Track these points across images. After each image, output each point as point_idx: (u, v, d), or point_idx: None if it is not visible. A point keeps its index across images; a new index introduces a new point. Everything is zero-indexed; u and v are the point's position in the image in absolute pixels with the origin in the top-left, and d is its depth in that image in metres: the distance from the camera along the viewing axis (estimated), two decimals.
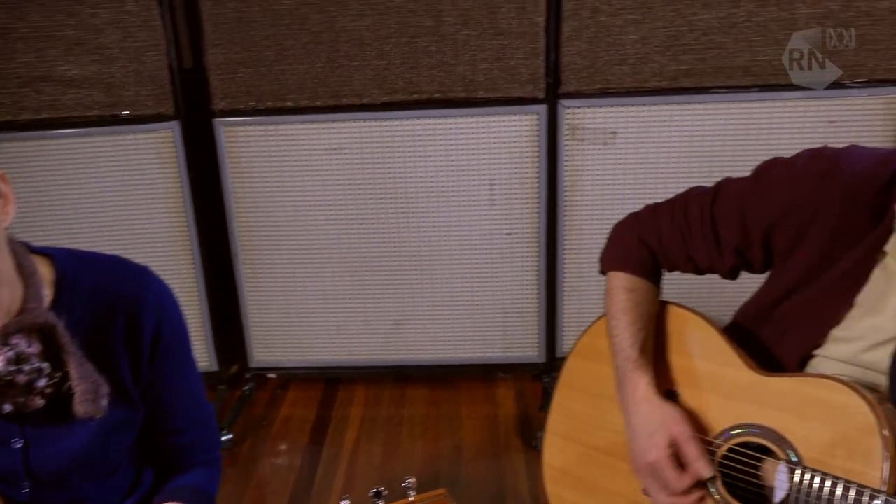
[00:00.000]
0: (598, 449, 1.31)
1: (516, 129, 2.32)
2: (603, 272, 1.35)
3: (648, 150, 2.32)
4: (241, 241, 2.51)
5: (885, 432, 1.00)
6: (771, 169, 1.16)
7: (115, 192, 2.43)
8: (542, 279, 2.49)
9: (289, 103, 2.32)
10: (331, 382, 2.77)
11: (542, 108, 2.29)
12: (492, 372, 2.72)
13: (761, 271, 1.22)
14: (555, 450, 1.39)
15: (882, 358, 1.07)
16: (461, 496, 2.22)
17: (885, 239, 1.05)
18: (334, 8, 2.20)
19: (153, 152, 2.39)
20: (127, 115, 2.34)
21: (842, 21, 2.16)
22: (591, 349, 1.37)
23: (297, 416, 2.62)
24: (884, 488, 0.98)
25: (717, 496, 1.15)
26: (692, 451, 1.14)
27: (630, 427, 1.21)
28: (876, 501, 0.98)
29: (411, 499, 1.00)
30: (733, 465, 1.16)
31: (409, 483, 1.01)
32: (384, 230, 2.47)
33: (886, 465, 0.99)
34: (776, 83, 2.22)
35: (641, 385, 1.21)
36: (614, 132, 2.31)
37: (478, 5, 2.18)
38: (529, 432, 2.42)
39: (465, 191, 2.41)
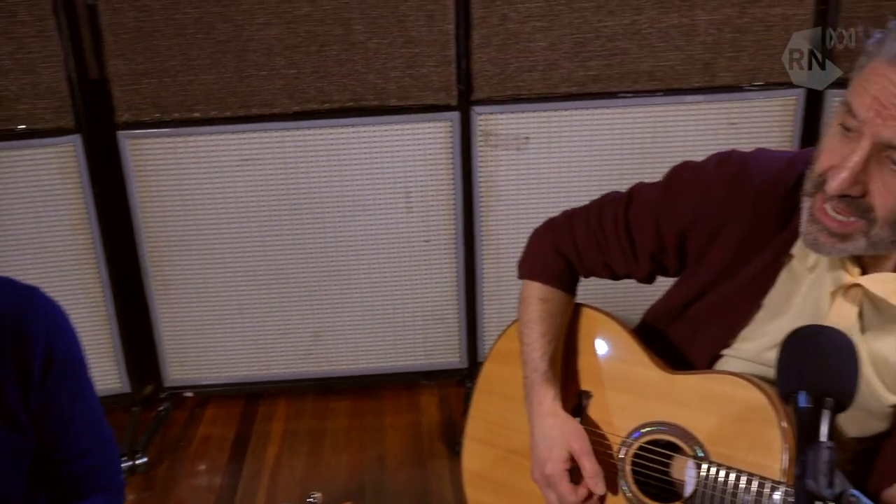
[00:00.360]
0: (516, 451, 1.32)
1: (430, 136, 2.33)
2: (519, 277, 1.36)
3: (561, 154, 2.36)
4: (151, 256, 2.42)
5: (784, 424, 1.04)
6: (682, 174, 1.18)
7: (14, 210, 2.31)
8: (461, 285, 2.50)
9: (196, 114, 2.26)
10: (251, 398, 2.70)
11: (455, 115, 2.30)
12: (415, 380, 2.71)
13: (675, 275, 1.25)
14: (474, 455, 1.39)
15: None
16: None
17: (791, 242, 1.08)
18: (240, 17, 2.16)
19: (54, 167, 2.28)
20: (23, 129, 2.23)
21: (739, 27, 2.25)
22: (507, 353, 1.38)
23: (217, 435, 2.55)
24: (783, 479, 1.02)
25: (629, 494, 1.18)
26: (589, 467, 1.17)
27: (533, 438, 1.23)
28: (776, 493, 1.02)
29: None
30: (645, 462, 1.19)
31: (314, 499, 0.99)
32: (300, 241, 2.43)
33: (785, 457, 1.03)
34: (679, 87, 2.30)
35: (547, 398, 1.23)
36: (527, 137, 2.35)
37: (387, 14, 2.17)
38: (453, 438, 2.42)
39: (381, 199, 2.40)
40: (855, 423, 1.11)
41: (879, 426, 1.11)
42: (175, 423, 2.60)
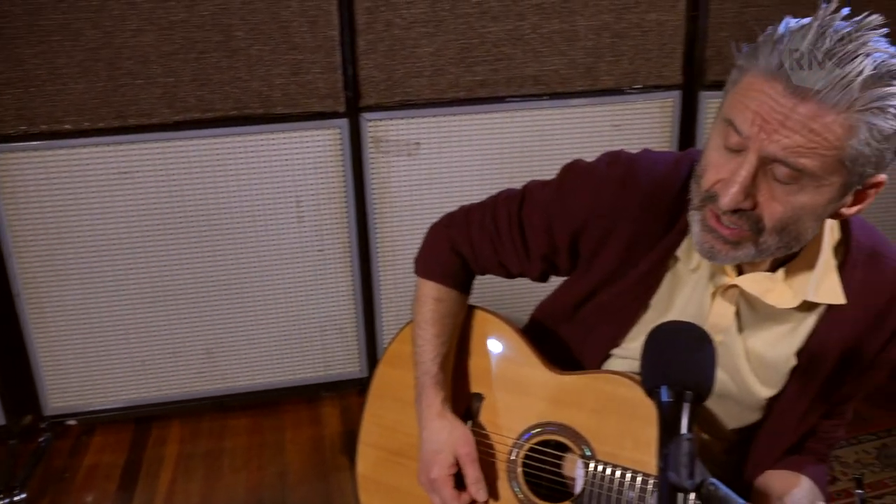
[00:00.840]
0: (406, 455, 1.31)
1: (319, 143, 2.29)
2: (415, 273, 1.35)
3: (452, 158, 2.37)
4: (24, 279, 2.27)
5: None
6: (573, 175, 1.18)
7: None
8: (357, 293, 2.47)
9: (67, 126, 2.13)
10: (142, 422, 2.58)
11: (344, 122, 2.27)
12: (315, 392, 2.65)
13: (567, 274, 1.26)
14: (367, 460, 1.37)
15: None
16: None
17: (677, 244, 1.10)
18: (111, 23, 2.05)
19: None
20: None
21: (617, 32, 2.32)
22: (400, 356, 1.36)
23: (105, 463, 2.42)
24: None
25: (520, 496, 1.18)
26: (472, 474, 1.17)
27: (421, 441, 1.23)
28: None
29: None
30: (536, 463, 1.20)
31: None
32: (187, 256, 2.34)
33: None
34: (563, 91, 2.35)
35: (437, 402, 1.22)
36: (417, 143, 2.34)
37: (268, 20, 2.12)
38: (356, 449, 2.39)
39: (270, 209, 2.33)
40: (732, 416, 1.16)
41: (754, 417, 1.16)
42: (58, 454, 2.45)
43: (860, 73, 0.83)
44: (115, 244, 2.28)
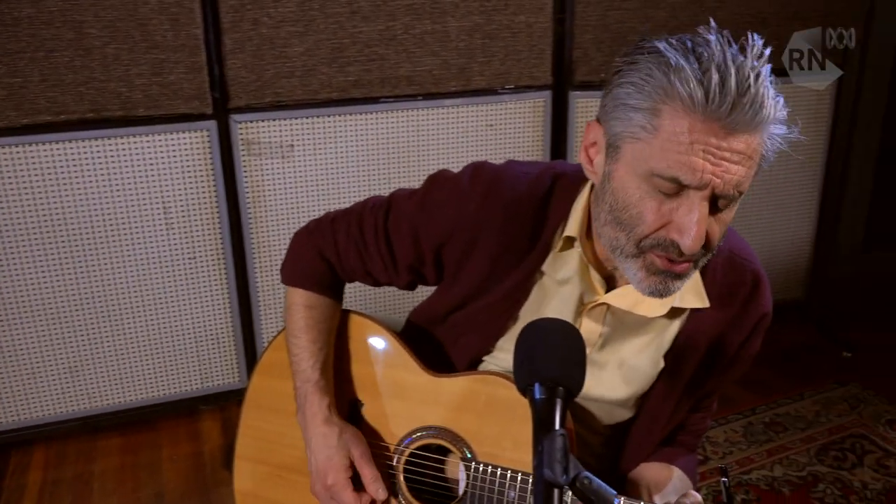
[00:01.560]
0: (288, 468, 1.28)
1: (186, 147, 2.19)
2: (283, 282, 1.31)
3: (327, 160, 2.33)
4: None
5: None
6: (438, 187, 1.17)
7: None
8: (234, 301, 2.39)
9: None
10: (0, 450, 2.39)
11: (212, 123, 2.18)
12: (193, 406, 2.55)
13: (435, 284, 1.25)
14: (245, 475, 1.33)
15: None
16: None
17: (542, 258, 1.12)
18: None
19: None
20: None
21: (488, 33, 2.35)
22: (277, 364, 1.32)
23: None
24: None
25: (403, 502, 1.18)
26: (369, 473, 1.16)
27: (310, 450, 1.19)
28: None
29: None
30: (417, 468, 1.19)
31: None
32: (45, 268, 2.18)
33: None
34: (437, 91, 2.36)
35: (322, 408, 1.19)
36: (291, 145, 2.29)
37: (124, 17, 2.00)
38: (233, 464, 2.31)
39: (136, 217, 2.21)
40: (604, 415, 1.20)
41: (625, 414, 1.20)
42: None
43: (771, 98, 0.88)
44: None
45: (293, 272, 1.28)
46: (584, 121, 2.53)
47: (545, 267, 1.12)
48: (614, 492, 0.78)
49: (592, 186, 1.06)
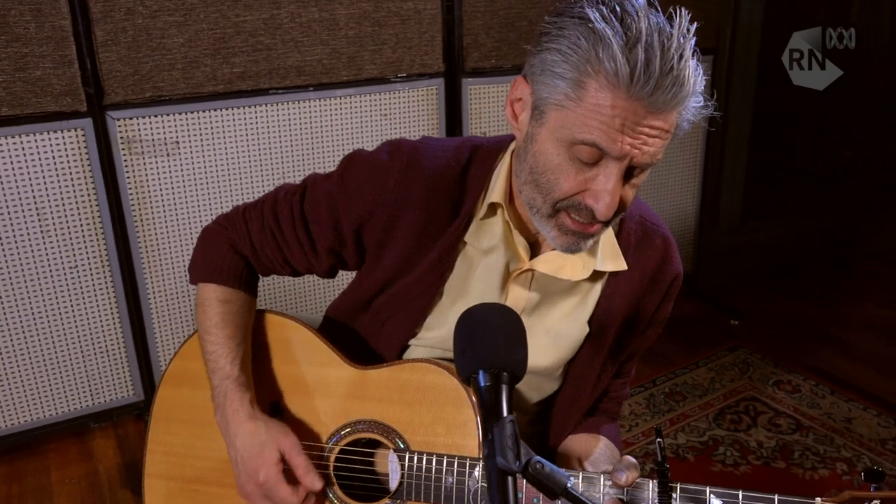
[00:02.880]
0: (203, 481, 1.20)
1: (59, 147, 2.03)
2: (193, 283, 1.23)
3: (217, 155, 2.22)
4: None
5: (474, 400, 1.07)
6: (355, 166, 1.14)
7: None
8: (122, 309, 2.24)
9: None
10: None
11: (87, 121, 2.03)
12: (83, 424, 2.37)
13: (356, 268, 1.22)
14: (155, 493, 1.24)
15: None
16: None
17: (465, 229, 1.11)
18: None
19: None
20: None
21: (377, 21, 2.31)
22: (185, 374, 1.24)
23: None
24: (481, 454, 1.05)
25: (335, 501, 1.13)
26: (301, 464, 1.10)
27: (235, 449, 1.12)
28: (476, 469, 1.05)
29: None
30: (348, 465, 1.15)
31: None
32: None
33: (479, 433, 1.06)
34: (328, 81, 2.30)
35: (244, 403, 1.13)
36: (176, 142, 2.16)
37: None
38: (139, 480, 2.17)
39: (6, 225, 2.03)
40: (533, 389, 1.20)
41: (552, 386, 1.21)
42: None
43: (691, 76, 0.90)
44: None
45: (205, 268, 1.21)
46: (478, 107, 2.53)
47: (468, 237, 1.12)
48: (567, 474, 0.77)
49: (513, 153, 1.07)
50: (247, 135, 2.25)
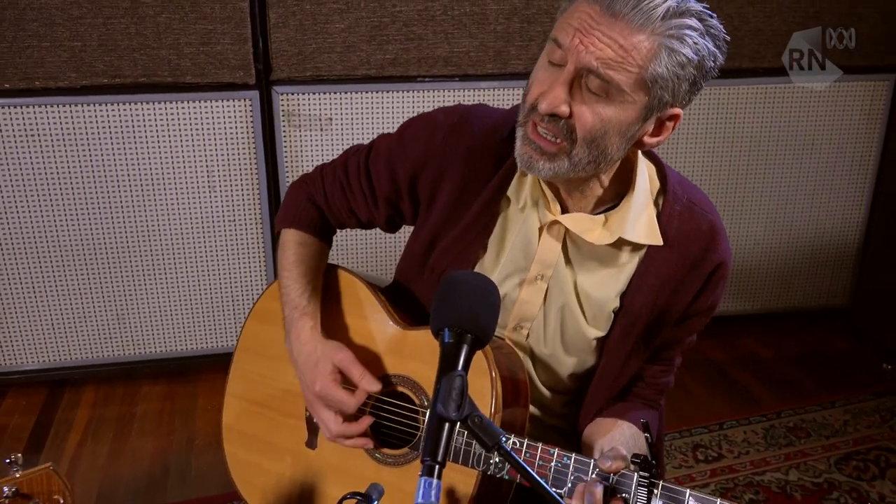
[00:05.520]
0: (267, 406, 1.37)
1: (230, 114, 2.33)
2: (277, 232, 1.41)
3: (364, 133, 2.42)
4: None
5: (494, 374, 1.14)
6: (413, 124, 1.28)
7: None
8: (269, 262, 2.52)
9: None
10: (57, 385, 2.60)
11: (255, 94, 2.31)
12: (228, 361, 2.69)
13: (412, 222, 1.33)
14: (231, 411, 1.43)
15: (505, 292, 1.22)
16: (192, 484, 2.20)
17: (507, 184, 1.19)
18: None
19: None
20: None
21: (526, 17, 2.39)
22: (267, 312, 1.42)
23: (14, 425, 2.44)
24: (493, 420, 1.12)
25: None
26: (356, 371, 1.22)
27: (297, 367, 1.27)
28: None
29: (17, 476, 0.99)
30: (384, 414, 1.26)
31: (13, 458, 1.00)
32: (96, 219, 2.36)
33: (493, 402, 1.14)
34: (474, 73, 2.42)
35: (306, 328, 1.28)
36: (330, 118, 2.39)
37: None
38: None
39: (181, 178, 2.37)
40: (569, 360, 1.24)
41: (590, 361, 1.25)
42: None
43: (664, 3, 0.97)
44: (21, 207, 2.30)
45: (286, 216, 1.38)
46: None
47: (510, 192, 1.19)
48: (502, 431, 0.83)
49: None
50: (393, 117, 2.43)
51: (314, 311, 1.31)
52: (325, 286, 1.38)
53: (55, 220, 2.34)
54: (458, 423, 0.82)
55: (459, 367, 0.85)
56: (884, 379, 2.70)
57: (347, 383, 1.23)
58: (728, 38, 1.04)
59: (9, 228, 2.32)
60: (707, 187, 2.48)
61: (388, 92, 2.40)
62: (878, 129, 2.73)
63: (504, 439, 0.82)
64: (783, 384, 2.67)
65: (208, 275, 2.51)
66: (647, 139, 1.08)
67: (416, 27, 2.33)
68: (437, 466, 0.79)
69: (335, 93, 2.36)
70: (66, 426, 2.44)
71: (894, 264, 2.91)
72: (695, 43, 0.99)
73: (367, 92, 2.39)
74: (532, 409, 1.26)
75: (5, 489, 1.00)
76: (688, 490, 0.97)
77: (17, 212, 2.30)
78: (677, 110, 1.06)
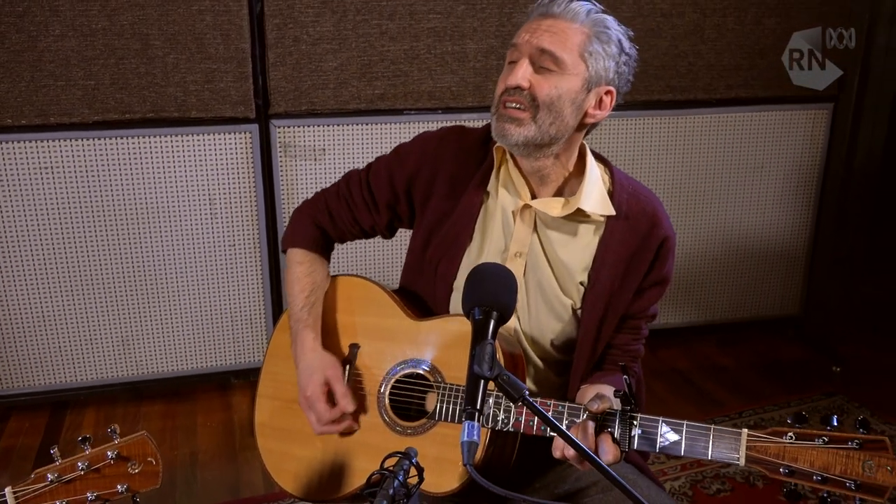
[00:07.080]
0: (294, 400, 1.54)
1: (231, 146, 2.51)
2: (283, 250, 1.61)
3: (355, 162, 2.62)
4: None
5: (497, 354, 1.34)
6: (407, 142, 1.52)
7: None
8: (266, 285, 2.68)
9: None
10: (58, 407, 2.70)
11: (254, 127, 2.50)
12: (226, 379, 2.83)
13: (410, 224, 1.55)
14: (263, 410, 1.59)
15: None
16: (199, 494, 2.32)
17: (487, 181, 1.43)
18: (34, 28, 2.23)
19: None
20: None
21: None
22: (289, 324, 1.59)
23: (21, 446, 2.53)
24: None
25: (387, 418, 1.43)
26: (339, 388, 1.44)
27: (298, 372, 1.48)
28: (490, 398, 1.31)
29: (117, 442, 1.15)
30: (401, 392, 1.45)
31: (113, 428, 1.16)
32: (104, 248, 2.51)
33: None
34: (455, 106, 2.64)
35: (308, 340, 1.49)
36: (323, 149, 2.59)
37: (184, 31, 2.34)
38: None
39: (185, 206, 2.53)
40: (550, 329, 1.44)
41: (569, 329, 1.45)
42: None
43: (585, 6, 1.31)
44: (34, 235, 2.44)
45: (290, 237, 1.59)
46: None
47: (490, 187, 1.43)
48: (525, 385, 1.02)
49: None
50: (382, 147, 2.63)
51: (314, 322, 1.52)
52: (346, 293, 1.56)
53: (64, 248, 2.48)
54: (491, 380, 1.01)
55: (489, 336, 1.05)
56: (833, 380, 2.95)
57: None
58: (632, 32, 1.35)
59: (19, 256, 2.45)
60: (666, 206, 2.74)
61: (377, 124, 2.60)
62: (820, 152, 3.03)
63: (526, 392, 1.02)
64: (743, 388, 2.90)
65: (209, 297, 2.66)
66: (591, 110, 1.34)
67: (402, 65, 2.55)
68: (476, 413, 0.98)
69: (328, 125, 2.57)
70: (71, 446, 2.49)
71: (840, 276, 3.19)
72: (615, 30, 1.32)
73: (357, 124, 2.59)
74: (529, 383, 1.46)
75: (109, 453, 1.17)
76: (661, 418, 1.19)
77: (28, 240, 2.44)
78: (611, 87, 1.33)
